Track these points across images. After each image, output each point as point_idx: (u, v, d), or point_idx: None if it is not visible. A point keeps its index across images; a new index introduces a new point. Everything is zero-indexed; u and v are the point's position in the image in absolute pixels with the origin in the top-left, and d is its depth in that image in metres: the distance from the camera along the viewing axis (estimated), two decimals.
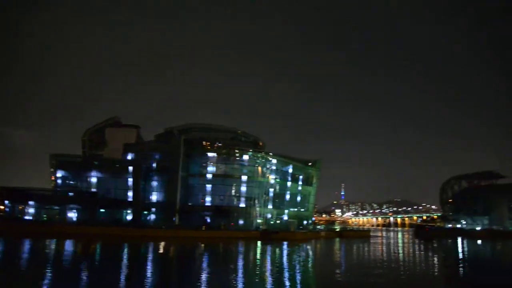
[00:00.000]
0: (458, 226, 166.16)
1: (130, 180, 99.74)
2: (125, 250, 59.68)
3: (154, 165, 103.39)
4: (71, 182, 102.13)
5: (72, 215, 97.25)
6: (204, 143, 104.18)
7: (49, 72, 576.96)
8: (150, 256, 53.77)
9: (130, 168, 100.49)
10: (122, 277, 33.22)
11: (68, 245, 63.96)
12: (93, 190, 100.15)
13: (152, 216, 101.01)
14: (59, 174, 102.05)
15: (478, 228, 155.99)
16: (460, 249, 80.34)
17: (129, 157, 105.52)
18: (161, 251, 60.49)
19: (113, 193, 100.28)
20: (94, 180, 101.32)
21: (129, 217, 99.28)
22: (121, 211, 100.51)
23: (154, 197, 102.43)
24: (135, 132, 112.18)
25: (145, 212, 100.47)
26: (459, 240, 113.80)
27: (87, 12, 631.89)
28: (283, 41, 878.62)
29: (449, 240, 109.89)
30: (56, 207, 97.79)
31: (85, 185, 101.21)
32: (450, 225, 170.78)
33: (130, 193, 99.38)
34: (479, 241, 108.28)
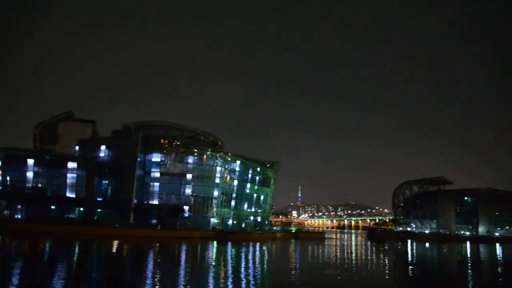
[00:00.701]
0: (409, 229, 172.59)
1: (84, 176, 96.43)
2: (74, 249, 57.42)
3: (110, 161, 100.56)
4: (20, 177, 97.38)
5: (21, 212, 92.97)
6: (162, 141, 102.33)
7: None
8: (99, 256, 52.04)
9: (84, 164, 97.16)
10: (61, 277, 31.65)
11: (13, 244, 60.90)
12: (43, 186, 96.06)
13: (106, 214, 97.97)
14: (7, 168, 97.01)
15: (426, 232, 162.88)
16: (409, 252, 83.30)
17: (83, 152, 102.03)
18: (113, 250, 58.76)
19: (64, 190, 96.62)
20: (45, 175, 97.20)
21: (82, 215, 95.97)
22: (73, 209, 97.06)
23: (108, 194, 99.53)
24: (90, 127, 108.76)
25: (99, 210, 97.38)
26: (409, 242, 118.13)
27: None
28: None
29: (400, 243, 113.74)
30: (3, 203, 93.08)
31: (35, 180, 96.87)
32: (400, 228, 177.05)
33: (83, 190, 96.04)
34: (427, 244, 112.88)
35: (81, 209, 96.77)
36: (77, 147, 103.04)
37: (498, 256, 78.50)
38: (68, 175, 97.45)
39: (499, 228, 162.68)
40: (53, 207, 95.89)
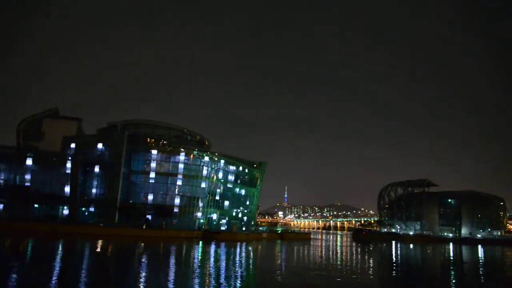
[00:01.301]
0: (393, 230, 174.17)
1: (68, 174, 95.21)
2: (55, 249, 56.48)
3: (95, 160, 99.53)
4: (2, 174, 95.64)
5: (3, 209, 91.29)
6: (148, 139, 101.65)
7: None
8: (81, 256, 51.32)
9: (68, 161, 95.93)
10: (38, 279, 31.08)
11: None
12: (27, 184, 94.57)
13: (91, 213, 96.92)
14: None
15: (411, 233, 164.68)
16: (393, 253, 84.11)
17: (68, 150, 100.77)
18: (97, 250, 58.06)
19: (49, 188, 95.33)
20: (28, 173, 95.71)
21: (65, 214, 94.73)
22: (57, 207, 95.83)
23: (93, 193, 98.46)
24: (75, 125, 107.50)
25: (83, 209, 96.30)
26: (394, 244, 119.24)
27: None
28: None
29: (384, 244, 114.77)
30: None
31: (19, 178, 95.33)
32: (385, 230, 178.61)
33: (67, 188, 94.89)
34: (411, 245, 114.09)
35: (65, 207, 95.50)
36: (62, 145, 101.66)
37: (480, 258, 79.74)
38: (53, 173, 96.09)
39: (481, 230, 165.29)
40: (36, 205, 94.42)
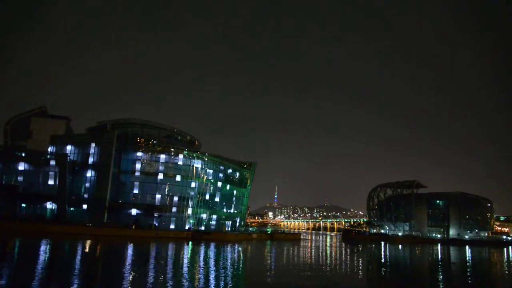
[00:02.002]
0: (382, 231, 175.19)
1: (56, 174, 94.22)
2: (41, 249, 55.72)
3: (84, 159, 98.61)
4: None
5: None
6: (138, 139, 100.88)
7: None
8: (68, 256, 50.69)
9: (57, 161, 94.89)
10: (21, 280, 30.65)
11: None
12: (15, 183, 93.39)
13: (80, 213, 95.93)
14: None
15: (400, 234, 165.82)
16: (382, 253, 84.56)
17: (57, 149, 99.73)
18: (84, 250, 57.43)
19: (36, 187, 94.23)
20: (16, 172, 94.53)
21: (53, 213, 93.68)
22: (45, 207, 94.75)
23: (82, 193, 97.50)
24: (64, 124, 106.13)
25: (72, 209, 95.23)
26: (382, 244, 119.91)
27: None
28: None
29: (373, 245, 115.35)
30: None
31: (6, 177, 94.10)
32: (374, 231, 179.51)
33: (55, 188, 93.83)
34: (400, 246, 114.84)
35: (53, 207, 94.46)
36: (50, 144, 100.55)
37: (467, 258, 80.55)
38: (41, 172, 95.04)
39: (468, 231, 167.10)
40: (24, 205, 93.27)
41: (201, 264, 46.40)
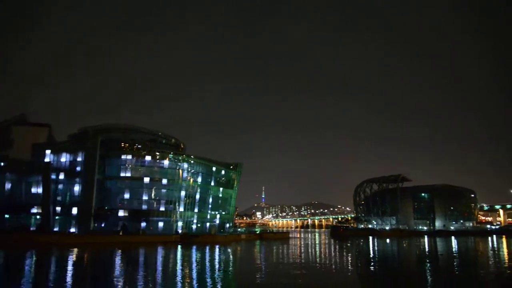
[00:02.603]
0: (370, 226, 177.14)
1: (39, 182, 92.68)
2: (26, 260, 54.76)
3: (67, 166, 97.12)
4: None
5: None
6: (122, 144, 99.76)
7: None
8: (55, 267, 49.92)
9: (40, 169, 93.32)
10: None
11: None
12: None
13: (64, 222, 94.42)
14: None
15: (387, 228, 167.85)
16: (371, 248, 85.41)
17: (39, 157, 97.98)
18: (73, 259, 56.57)
19: (20, 197, 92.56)
20: None
21: (38, 223, 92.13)
22: (29, 216, 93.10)
23: (67, 201, 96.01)
24: (46, 131, 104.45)
25: (57, 217, 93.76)
26: (371, 239, 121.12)
27: None
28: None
29: (362, 240, 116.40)
30: None
31: None
32: (362, 226, 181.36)
33: (39, 197, 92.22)
34: (388, 240, 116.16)
35: (38, 216, 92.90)
36: (32, 152, 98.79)
37: (454, 249, 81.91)
38: (24, 181, 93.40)
39: (454, 222, 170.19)
40: (7, 215, 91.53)
41: (191, 266, 46.13)
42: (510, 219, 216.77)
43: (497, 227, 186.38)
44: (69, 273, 40.56)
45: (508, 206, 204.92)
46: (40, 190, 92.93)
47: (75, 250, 66.40)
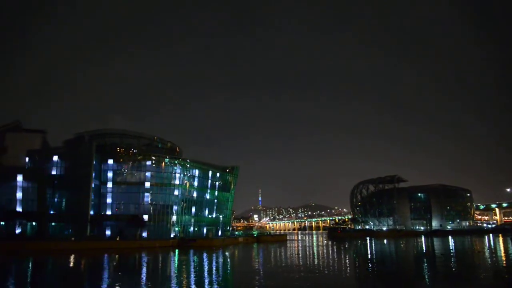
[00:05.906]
0: (367, 227, 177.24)
1: (35, 189, 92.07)
2: (23, 267, 54.35)
3: (63, 172, 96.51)
4: None
5: None
6: (118, 149, 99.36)
7: None
8: (52, 274, 49.55)
9: (35, 176, 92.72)
10: None
11: None
12: None
13: (61, 228, 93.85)
14: None
15: (384, 229, 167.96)
16: (368, 249, 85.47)
17: (34, 164, 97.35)
18: (70, 265, 56.20)
19: (15, 204, 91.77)
20: None
21: (34, 230, 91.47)
22: (25, 223, 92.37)
23: (62, 207, 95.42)
24: (40, 138, 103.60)
25: (53, 224, 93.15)
26: (368, 240, 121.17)
27: None
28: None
29: (359, 241, 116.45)
30: None
31: None
32: (359, 227, 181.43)
33: (34, 204, 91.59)
34: (385, 241, 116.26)
35: (34, 223, 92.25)
36: (27, 159, 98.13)
37: (451, 248, 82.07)
38: (18, 188, 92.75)
39: (450, 222, 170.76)
40: (2, 223, 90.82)
41: (189, 271, 45.93)
42: (506, 218, 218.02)
43: (493, 226, 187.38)
44: (65, 280, 40.29)
45: (504, 205, 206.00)
46: (35, 196, 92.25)
47: (72, 256, 65.96)
